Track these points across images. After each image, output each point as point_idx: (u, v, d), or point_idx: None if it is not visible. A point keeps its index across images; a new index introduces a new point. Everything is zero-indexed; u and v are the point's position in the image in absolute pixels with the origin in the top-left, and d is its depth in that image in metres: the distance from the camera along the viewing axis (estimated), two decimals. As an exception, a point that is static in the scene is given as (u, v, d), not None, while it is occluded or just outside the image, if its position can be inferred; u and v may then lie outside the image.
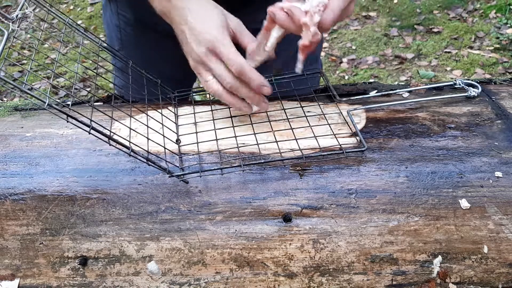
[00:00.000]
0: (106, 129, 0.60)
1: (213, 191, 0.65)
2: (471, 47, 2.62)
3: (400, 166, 0.66)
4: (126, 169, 0.67)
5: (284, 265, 0.63)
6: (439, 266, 0.62)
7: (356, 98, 0.78)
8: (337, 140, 0.69)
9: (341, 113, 0.75)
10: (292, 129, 0.71)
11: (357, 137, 0.69)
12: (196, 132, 0.72)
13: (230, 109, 0.76)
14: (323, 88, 0.84)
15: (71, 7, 3.59)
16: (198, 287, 0.63)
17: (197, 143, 0.70)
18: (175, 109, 0.78)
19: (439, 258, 0.62)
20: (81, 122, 0.55)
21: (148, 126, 0.67)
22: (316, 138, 0.69)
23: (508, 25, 2.72)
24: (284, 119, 0.74)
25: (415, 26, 2.89)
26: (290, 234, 0.63)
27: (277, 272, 0.63)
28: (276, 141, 0.68)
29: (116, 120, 0.68)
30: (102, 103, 0.87)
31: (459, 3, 3.02)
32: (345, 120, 0.74)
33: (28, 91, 0.52)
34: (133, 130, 0.66)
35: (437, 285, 0.63)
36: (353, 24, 3.11)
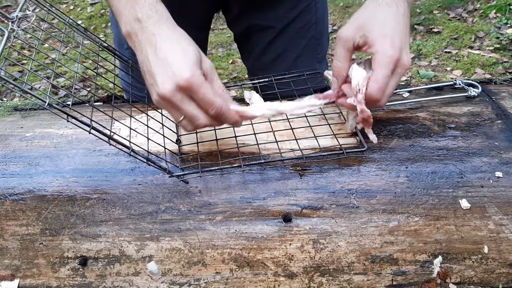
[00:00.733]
0: (106, 129, 0.60)
1: (213, 191, 0.65)
2: (471, 47, 2.62)
3: (400, 166, 0.66)
4: (126, 169, 0.67)
5: (284, 265, 0.63)
6: (439, 266, 0.62)
7: (356, 98, 0.78)
8: (337, 140, 0.69)
9: (341, 113, 0.75)
10: (292, 129, 0.71)
11: (357, 137, 0.69)
12: (196, 132, 0.72)
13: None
14: (323, 88, 0.84)
15: (71, 7, 3.59)
16: (198, 287, 0.63)
17: (197, 143, 0.70)
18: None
19: (439, 258, 0.62)
20: (81, 122, 0.55)
21: (148, 126, 0.67)
22: (316, 138, 0.69)
23: (508, 25, 2.71)
24: (284, 119, 0.74)
25: (415, 26, 2.89)
26: (290, 234, 0.63)
27: (277, 272, 0.63)
28: (276, 141, 0.68)
29: (116, 120, 0.68)
30: (102, 103, 0.87)
31: (459, 3, 3.02)
32: (345, 120, 0.74)
33: (29, 91, 0.51)
34: (133, 130, 0.66)
35: (437, 285, 0.63)
36: (353, 24, 3.10)
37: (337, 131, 0.71)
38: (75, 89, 1.83)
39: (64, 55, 0.76)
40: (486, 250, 0.62)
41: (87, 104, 0.79)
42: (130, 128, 0.65)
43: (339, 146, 0.67)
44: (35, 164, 0.68)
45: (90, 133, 0.56)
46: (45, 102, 0.52)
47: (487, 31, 2.72)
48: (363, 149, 0.66)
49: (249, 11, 0.97)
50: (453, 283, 0.63)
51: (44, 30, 0.65)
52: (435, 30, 2.83)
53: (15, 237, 0.64)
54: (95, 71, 0.70)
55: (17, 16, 0.58)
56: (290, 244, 0.62)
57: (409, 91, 0.82)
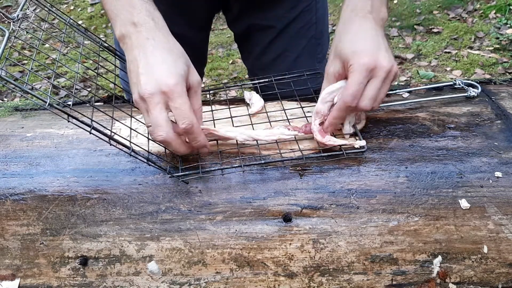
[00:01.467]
0: (106, 129, 0.61)
1: (213, 191, 0.65)
2: (471, 47, 2.62)
3: (400, 166, 0.66)
4: (127, 169, 0.67)
5: (284, 265, 0.63)
6: (439, 266, 0.63)
7: (356, 98, 0.78)
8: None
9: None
10: (292, 129, 0.71)
11: (357, 137, 0.69)
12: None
13: (231, 109, 0.77)
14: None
15: (72, 8, 3.59)
16: (198, 287, 0.63)
17: (198, 143, 0.70)
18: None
19: (439, 258, 0.63)
20: (82, 122, 0.55)
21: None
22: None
23: (508, 25, 2.71)
24: (284, 119, 0.74)
25: (415, 26, 2.89)
26: (290, 234, 0.63)
27: (277, 272, 0.63)
28: (276, 142, 0.69)
29: (116, 120, 0.68)
30: (102, 103, 0.87)
31: (459, 3, 3.02)
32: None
33: (30, 91, 0.52)
34: (134, 130, 0.66)
35: (437, 285, 0.63)
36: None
37: (337, 131, 0.71)
38: (76, 89, 1.83)
39: (64, 55, 0.77)
40: (485, 250, 0.62)
41: (87, 104, 0.80)
42: (131, 128, 0.65)
43: (339, 146, 0.67)
44: (35, 164, 0.69)
45: (90, 133, 0.56)
46: (45, 102, 0.53)
47: (486, 31, 2.72)
48: (363, 150, 0.66)
49: (249, 11, 0.98)
50: (452, 282, 0.63)
51: (44, 30, 0.65)
52: (435, 30, 2.83)
53: (15, 237, 0.64)
54: (96, 71, 0.70)
55: (17, 16, 0.58)
56: (290, 244, 0.63)
57: (409, 91, 0.82)
